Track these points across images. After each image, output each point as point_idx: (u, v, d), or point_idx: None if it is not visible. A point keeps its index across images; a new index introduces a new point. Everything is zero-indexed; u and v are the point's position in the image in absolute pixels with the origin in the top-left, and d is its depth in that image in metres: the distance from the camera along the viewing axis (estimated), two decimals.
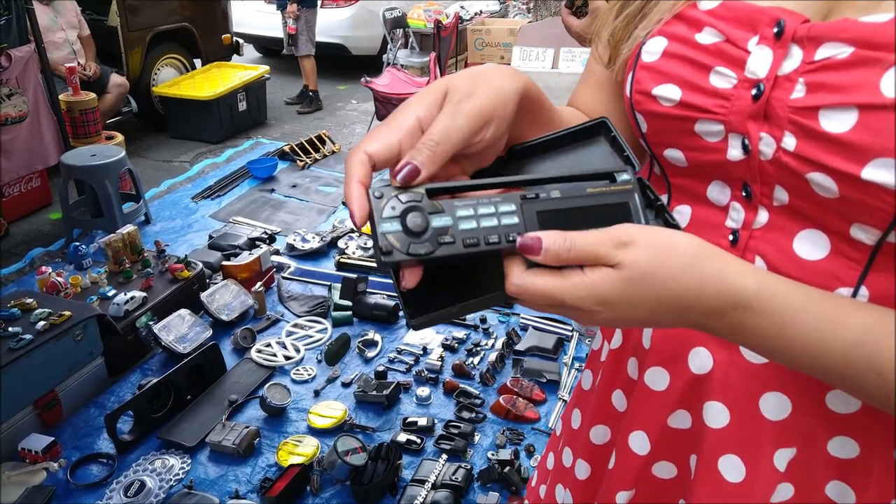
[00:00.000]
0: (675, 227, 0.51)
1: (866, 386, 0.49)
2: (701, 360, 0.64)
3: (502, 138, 0.52)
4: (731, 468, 0.64)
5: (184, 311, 2.69)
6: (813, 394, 0.60)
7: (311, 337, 2.80)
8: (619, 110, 0.72)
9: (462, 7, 6.53)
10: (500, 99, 0.50)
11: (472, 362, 2.65)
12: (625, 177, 0.51)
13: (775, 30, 0.54)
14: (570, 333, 2.81)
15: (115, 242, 2.84)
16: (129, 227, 2.92)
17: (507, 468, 2.10)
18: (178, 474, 2.12)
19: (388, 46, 6.18)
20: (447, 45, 5.75)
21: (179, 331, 2.63)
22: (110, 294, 2.66)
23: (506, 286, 0.48)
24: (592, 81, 0.75)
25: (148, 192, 4.13)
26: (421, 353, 2.70)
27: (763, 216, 0.59)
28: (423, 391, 2.47)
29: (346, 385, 2.53)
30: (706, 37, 0.59)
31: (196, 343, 2.62)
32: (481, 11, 6.72)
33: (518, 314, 2.95)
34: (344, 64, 6.77)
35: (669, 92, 0.60)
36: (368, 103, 5.80)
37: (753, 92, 0.55)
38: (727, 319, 0.49)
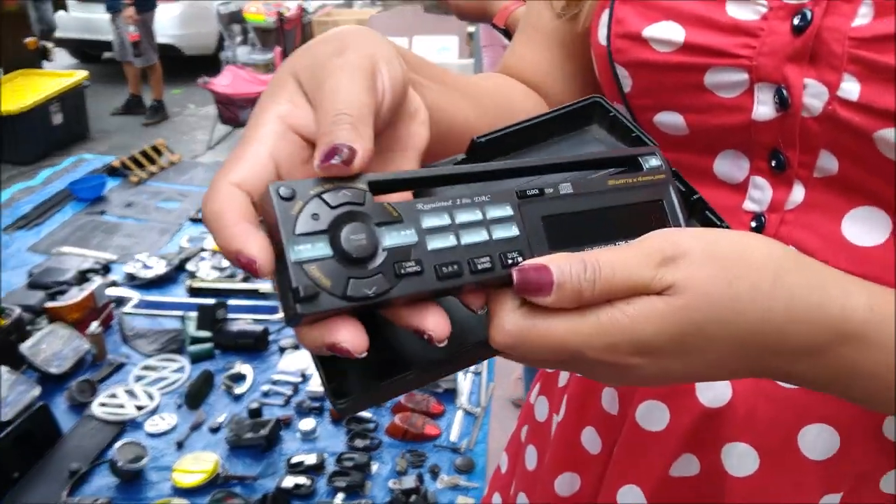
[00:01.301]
0: (723, 227, 0.42)
1: None
2: (715, 389, 0.55)
3: (415, 113, 0.40)
4: None
5: (0, 370, 2.33)
6: (866, 421, 0.52)
7: (166, 379, 2.56)
8: (572, 73, 0.64)
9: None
10: (369, 41, 0.38)
11: None
12: (653, 162, 0.41)
13: None
14: None
15: None
16: None
17: (413, 497, 2.02)
18: None
19: (226, 44, 6.03)
20: (292, 39, 5.82)
21: None
22: None
23: (490, 334, 0.36)
24: (536, 35, 0.65)
25: None
26: (299, 380, 2.53)
27: (799, 193, 0.51)
28: (308, 424, 2.30)
29: (214, 430, 2.32)
30: None
31: (19, 406, 2.27)
32: (325, 4, 6.70)
33: None
34: (176, 66, 6.46)
35: (668, 32, 0.51)
36: (208, 107, 5.58)
37: (795, 21, 0.46)
38: (828, 360, 0.38)
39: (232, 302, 2.91)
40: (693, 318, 0.34)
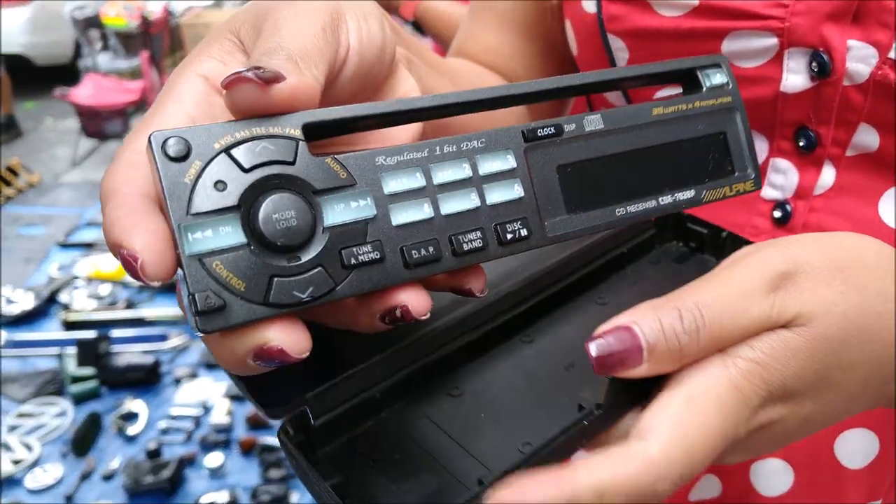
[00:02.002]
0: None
1: None
2: None
3: (395, 69, 0.34)
4: None
5: None
6: None
7: (46, 426, 2.37)
8: (536, 55, 0.59)
9: (169, 1, 6.17)
10: None
11: None
12: (718, 79, 0.33)
13: None
14: None
15: None
16: None
17: None
18: None
19: (84, 51, 5.64)
20: (160, 44, 5.54)
21: None
22: None
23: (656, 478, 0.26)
24: (491, 17, 0.59)
25: None
26: (200, 413, 2.40)
27: (829, 175, 0.46)
28: (215, 459, 2.19)
29: (108, 478, 2.16)
30: None
31: None
32: (192, 7, 6.48)
33: None
34: (27, 77, 6.00)
35: None
36: (69, 119, 5.23)
37: None
38: None
39: (115, 333, 2.76)
40: (833, 347, 0.29)
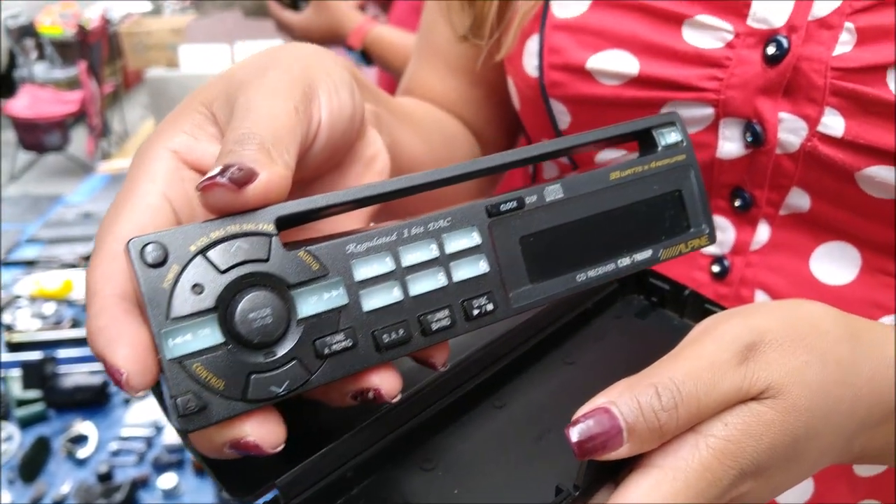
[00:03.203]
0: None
1: None
2: None
3: (363, 131, 0.35)
4: None
5: None
6: (840, 465, 0.49)
7: None
8: (483, 100, 0.58)
9: (106, 9, 5.98)
10: (313, 60, 0.32)
11: None
12: (673, 137, 0.33)
13: None
14: None
15: None
16: None
17: None
18: None
19: (19, 61, 5.48)
20: (98, 52, 5.35)
21: None
22: None
23: None
24: (438, 62, 0.59)
25: None
26: (152, 433, 2.32)
27: (764, 233, 0.47)
28: (168, 480, 2.11)
29: None
30: None
31: None
32: (130, 14, 6.29)
33: None
34: None
35: (617, 62, 0.44)
36: (6, 132, 5.03)
37: (768, 51, 0.41)
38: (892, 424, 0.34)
39: (62, 353, 2.61)
40: (802, 418, 0.29)
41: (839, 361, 0.31)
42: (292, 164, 0.27)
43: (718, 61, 0.43)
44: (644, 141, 0.33)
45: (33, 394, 2.42)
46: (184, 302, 0.24)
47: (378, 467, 0.32)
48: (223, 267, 0.24)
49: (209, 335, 0.24)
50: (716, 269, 0.49)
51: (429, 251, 0.28)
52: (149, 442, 2.30)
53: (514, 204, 0.29)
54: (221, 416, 0.24)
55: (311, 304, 0.26)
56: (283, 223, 0.26)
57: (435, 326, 0.27)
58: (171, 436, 2.25)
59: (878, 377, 0.32)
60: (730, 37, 0.43)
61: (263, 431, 0.25)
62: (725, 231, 0.49)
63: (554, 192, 0.30)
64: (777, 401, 0.28)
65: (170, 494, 2.10)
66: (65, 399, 2.44)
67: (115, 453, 2.26)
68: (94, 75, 4.84)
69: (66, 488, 2.12)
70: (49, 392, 2.43)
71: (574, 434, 0.26)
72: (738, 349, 0.29)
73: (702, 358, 0.28)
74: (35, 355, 2.55)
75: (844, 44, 0.40)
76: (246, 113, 0.27)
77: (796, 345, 0.30)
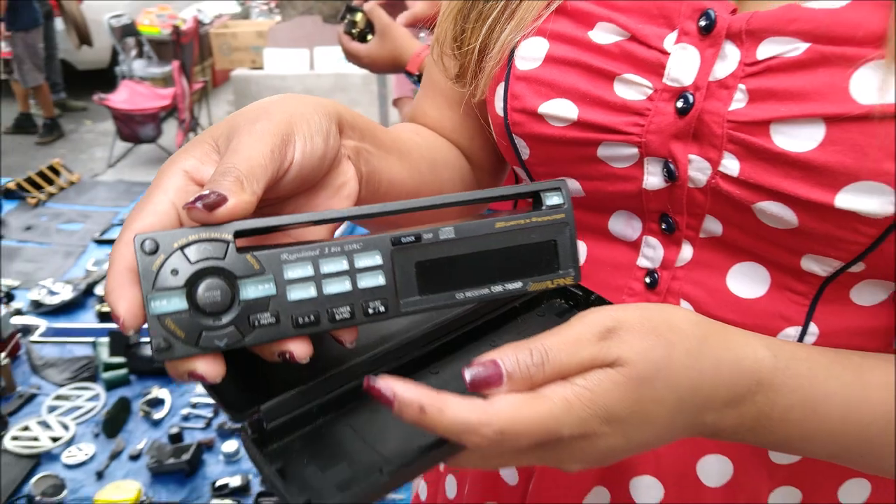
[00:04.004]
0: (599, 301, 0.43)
1: None
2: None
3: (337, 164, 0.42)
4: None
5: None
6: (756, 449, 0.54)
7: (81, 408, 2.45)
8: (475, 129, 0.63)
9: (199, 10, 6.19)
10: (297, 111, 0.39)
11: None
12: (554, 200, 0.39)
13: (702, 23, 0.45)
14: None
15: None
16: None
17: None
18: None
19: (120, 57, 5.69)
20: (190, 52, 5.42)
21: None
22: None
23: (471, 440, 0.33)
24: (437, 95, 0.64)
25: None
26: None
27: (687, 252, 0.52)
28: (230, 446, 2.24)
29: (134, 458, 2.24)
30: (602, 35, 0.49)
31: None
32: (221, 14, 6.40)
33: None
34: (69, 80, 6.06)
35: (562, 109, 0.50)
36: (106, 122, 5.30)
37: (679, 104, 0.46)
38: (748, 408, 0.40)
39: (146, 325, 2.81)
40: (648, 384, 0.36)
41: (687, 350, 0.37)
42: (259, 192, 0.35)
43: (641, 111, 0.48)
44: (535, 199, 0.40)
45: (118, 360, 2.59)
46: (164, 279, 0.33)
47: (336, 408, 0.40)
48: (193, 260, 0.33)
49: (178, 303, 0.33)
50: (648, 280, 0.53)
51: (341, 265, 0.35)
52: (215, 410, 2.41)
53: (413, 238, 0.36)
54: (181, 355, 0.33)
55: (249, 291, 0.34)
56: (241, 234, 0.34)
57: (338, 317, 0.35)
58: None
59: (722, 367, 0.39)
60: (650, 91, 0.47)
61: (208, 368, 0.34)
62: (656, 249, 0.52)
63: (448, 232, 0.37)
64: (625, 369, 0.36)
65: (230, 458, 2.22)
66: (145, 366, 2.59)
67: (186, 418, 2.41)
68: (185, 73, 4.97)
69: (141, 445, 2.28)
70: (132, 359, 2.60)
71: (468, 374, 0.34)
72: (599, 331, 0.36)
73: (570, 334, 0.36)
74: None
75: (738, 101, 0.44)
76: (233, 153, 0.36)
77: (647, 332, 0.37)
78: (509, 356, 0.35)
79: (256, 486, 2.11)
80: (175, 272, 0.33)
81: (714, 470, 0.54)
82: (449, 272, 0.37)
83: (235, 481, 2.10)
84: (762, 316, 0.49)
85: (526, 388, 0.35)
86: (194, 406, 2.46)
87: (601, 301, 0.44)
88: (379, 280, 0.36)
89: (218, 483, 2.11)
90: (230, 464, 2.23)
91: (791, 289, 0.48)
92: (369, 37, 1.29)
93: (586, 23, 0.50)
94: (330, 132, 0.40)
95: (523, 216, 0.38)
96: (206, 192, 0.34)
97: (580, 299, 0.45)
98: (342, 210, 0.38)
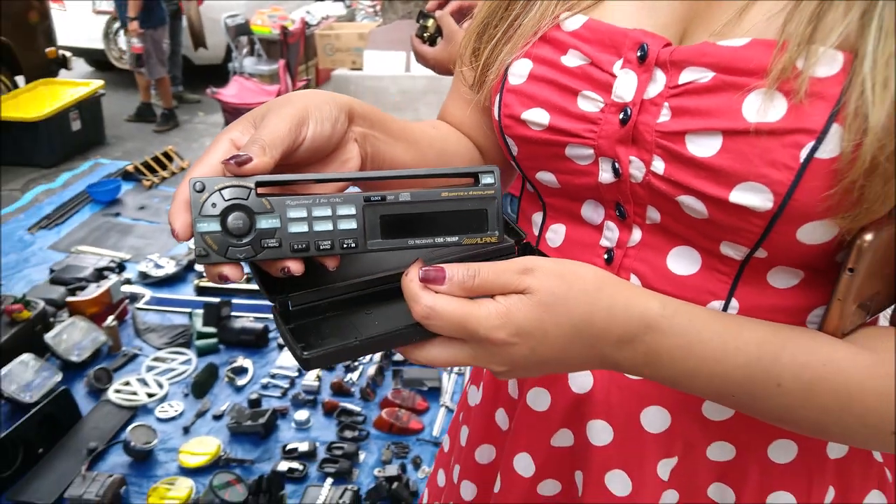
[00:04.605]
0: (536, 252, 0.52)
1: (767, 401, 0.51)
2: (581, 379, 0.65)
3: (343, 144, 0.52)
4: (618, 482, 0.65)
5: (27, 357, 2.47)
6: (690, 404, 0.62)
7: (174, 370, 2.67)
8: (489, 129, 0.72)
9: (308, 12, 6.41)
10: (312, 102, 0.49)
11: (350, 378, 2.60)
12: (488, 180, 0.48)
13: (639, 53, 0.55)
14: None
15: None
16: None
17: (395, 484, 2.09)
18: None
19: (233, 55, 5.99)
20: (296, 52, 5.67)
21: (23, 378, 2.41)
22: None
23: (412, 308, 0.45)
24: (459, 98, 0.73)
25: None
26: (296, 375, 2.63)
27: (637, 235, 0.60)
28: (302, 415, 2.41)
29: (217, 418, 2.43)
30: (571, 59, 0.59)
31: (44, 390, 2.42)
32: (328, 16, 6.62)
33: None
34: (186, 74, 6.43)
35: (538, 116, 0.60)
36: (216, 115, 5.61)
37: (621, 116, 0.55)
38: (639, 346, 0.49)
39: (236, 301, 2.97)
40: (549, 310, 0.46)
41: (584, 290, 0.47)
42: (276, 157, 0.46)
43: (595, 120, 0.56)
44: (474, 178, 0.48)
45: (210, 330, 2.79)
46: (206, 209, 0.44)
47: (340, 308, 0.51)
48: (226, 198, 0.44)
49: (214, 226, 0.44)
50: (606, 257, 0.62)
51: (326, 211, 0.46)
52: (292, 382, 2.59)
53: (380, 198, 0.46)
54: (214, 262, 0.44)
55: (262, 223, 0.45)
56: (260, 184, 0.45)
57: (322, 247, 0.46)
58: (309, 380, 2.55)
59: (615, 309, 0.47)
60: (602, 105, 0.56)
61: (231, 272, 0.45)
62: (613, 231, 0.61)
63: (405, 196, 0.47)
64: (533, 296, 0.45)
65: (301, 426, 2.38)
66: (233, 338, 2.79)
67: (265, 386, 2.57)
68: (289, 71, 5.27)
69: (224, 407, 2.45)
70: (222, 330, 2.79)
71: (421, 272, 0.45)
72: (520, 267, 0.46)
73: (499, 265, 0.46)
74: (215, 300, 2.92)
75: (664, 116, 0.53)
76: (262, 128, 0.47)
77: (555, 275, 0.46)
78: (451, 266, 0.46)
79: (322, 453, 2.25)
80: (214, 205, 0.44)
81: (655, 418, 0.63)
82: (404, 224, 0.47)
83: (304, 447, 2.25)
84: (693, 291, 0.57)
85: (461, 291, 0.45)
86: (273, 377, 2.61)
87: (534, 251, 0.53)
88: (353, 224, 0.46)
89: (288, 447, 2.26)
90: (300, 431, 2.38)
91: (716, 269, 0.56)
92: (438, 40, 1.39)
93: (561, 49, 0.59)
94: (338, 119, 0.51)
95: (463, 189, 0.47)
96: (240, 153, 0.45)
97: (525, 250, 0.54)
98: (333, 174, 0.50)
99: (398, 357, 2.70)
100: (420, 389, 2.55)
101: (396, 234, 0.46)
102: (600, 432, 0.65)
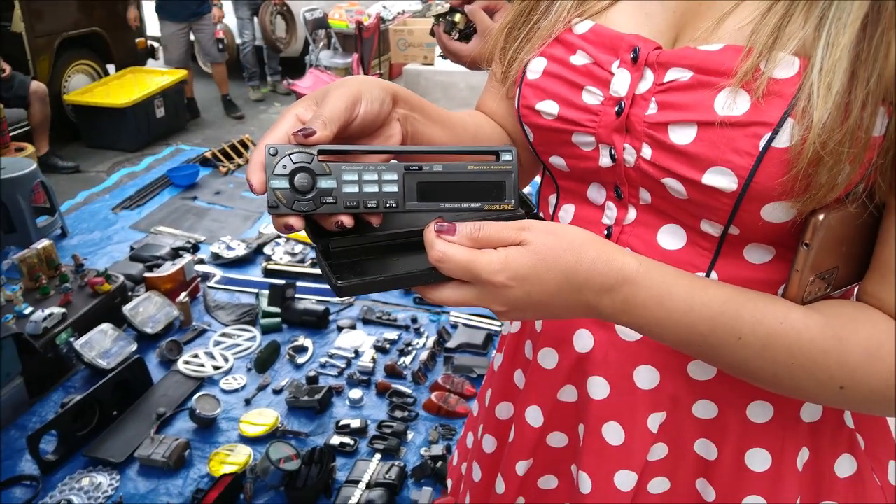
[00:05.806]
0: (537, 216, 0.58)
1: (728, 351, 0.57)
2: (584, 340, 0.72)
3: (388, 122, 0.60)
4: (613, 433, 0.72)
5: (106, 326, 2.64)
6: (676, 365, 0.68)
7: (239, 346, 2.79)
8: (515, 117, 0.78)
9: (384, 7, 6.48)
10: (364, 85, 0.58)
11: (403, 362, 2.68)
12: (506, 157, 0.55)
13: (632, 55, 0.62)
14: (498, 329, 2.86)
15: (30, 258, 2.75)
16: (45, 242, 2.84)
17: (440, 463, 2.14)
18: (106, 491, 2.09)
19: (311, 48, 6.13)
20: (370, 46, 5.76)
21: (102, 346, 2.58)
22: (27, 312, 2.59)
23: (429, 253, 0.52)
24: (493, 90, 0.82)
25: (63, 204, 4.01)
26: (352, 356, 2.72)
27: (632, 213, 0.67)
28: (356, 393, 2.49)
29: (277, 392, 2.53)
30: (579, 59, 0.67)
31: (120, 358, 2.58)
32: (403, 11, 6.67)
33: (448, 312, 3.00)
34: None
35: (549, 107, 0.67)
36: None
37: (616, 109, 0.62)
38: (617, 295, 0.55)
39: (300, 284, 3.09)
40: (541, 258, 0.53)
41: (571, 244, 0.54)
42: (335, 130, 0.54)
43: (595, 112, 0.64)
44: (495, 155, 0.56)
45: (274, 309, 2.90)
46: (278, 170, 0.51)
47: (373, 253, 0.57)
48: (294, 161, 0.51)
49: (284, 183, 0.51)
50: (606, 233, 0.69)
51: (374, 176, 0.53)
52: (348, 362, 2.68)
53: (417, 168, 0.54)
54: (282, 213, 0.51)
55: (322, 183, 0.52)
56: (322, 152, 0.52)
57: (369, 205, 0.53)
58: (365, 361, 2.63)
59: (598, 262, 0.54)
60: (602, 99, 0.63)
61: (296, 222, 0.52)
62: (613, 210, 0.68)
63: (438, 167, 0.54)
64: (528, 246, 0.52)
65: (354, 404, 2.47)
66: (295, 318, 2.90)
67: (323, 365, 2.67)
68: (362, 65, 5.40)
69: (283, 382, 2.56)
70: (286, 311, 2.91)
71: (436, 225, 0.52)
72: (517, 225, 0.53)
73: (501, 223, 0.53)
74: (281, 282, 3.03)
75: (652, 109, 0.60)
76: (323, 106, 0.55)
77: (548, 232, 0.53)
78: (461, 223, 0.53)
79: (372, 430, 2.34)
80: (284, 167, 0.52)
81: (646, 376, 0.70)
82: (436, 190, 0.55)
83: (356, 423, 2.35)
84: (679, 263, 0.62)
85: (467, 241, 0.53)
86: (331, 356, 2.71)
87: (534, 216, 0.58)
88: (395, 188, 0.54)
89: (341, 423, 2.36)
90: (354, 408, 2.47)
91: (699, 245, 0.63)
92: (473, 37, 1.38)
93: (571, 49, 0.67)
94: (385, 101, 0.59)
95: (486, 164, 0.55)
96: (306, 127, 0.53)
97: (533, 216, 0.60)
98: (379, 146, 0.57)
99: (450, 344, 2.77)
100: (469, 376, 2.60)
101: (430, 198, 0.54)
102: (599, 387, 0.72)
